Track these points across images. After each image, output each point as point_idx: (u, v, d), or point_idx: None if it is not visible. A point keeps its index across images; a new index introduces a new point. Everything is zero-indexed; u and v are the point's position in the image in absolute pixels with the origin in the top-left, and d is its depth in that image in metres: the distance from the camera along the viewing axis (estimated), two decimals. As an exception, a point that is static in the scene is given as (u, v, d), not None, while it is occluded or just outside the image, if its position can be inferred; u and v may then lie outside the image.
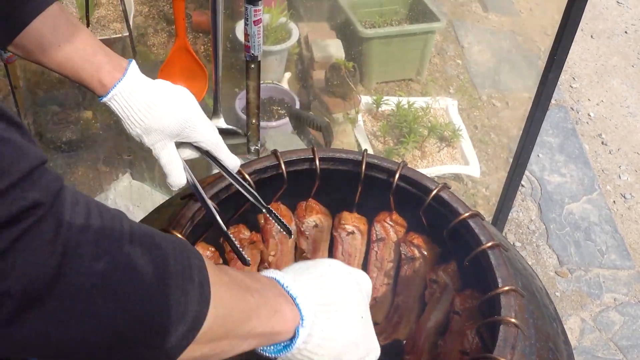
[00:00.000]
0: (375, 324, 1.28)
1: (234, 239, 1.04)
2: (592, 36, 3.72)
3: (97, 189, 2.31)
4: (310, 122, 2.20)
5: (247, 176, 1.09)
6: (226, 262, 1.16)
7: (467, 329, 1.04)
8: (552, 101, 2.37)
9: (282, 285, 0.75)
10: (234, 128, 1.67)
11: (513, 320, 0.91)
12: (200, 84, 1.74)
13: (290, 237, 1.09)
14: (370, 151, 2.52)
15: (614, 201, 2.81)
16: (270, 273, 0.77)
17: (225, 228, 1.03)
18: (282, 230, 1.09)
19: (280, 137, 2.23)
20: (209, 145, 1.06)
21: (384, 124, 2.74)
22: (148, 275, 0.59)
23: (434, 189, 1.10)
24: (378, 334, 1.26)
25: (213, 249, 1.11)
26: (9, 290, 0.51)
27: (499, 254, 1.00)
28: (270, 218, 1.08)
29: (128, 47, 2.44)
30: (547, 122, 2.93)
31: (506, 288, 0.95)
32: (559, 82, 1.78)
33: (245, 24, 1.38)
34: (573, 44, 1.66)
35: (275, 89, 2.62)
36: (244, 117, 1.95)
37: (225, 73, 1.94)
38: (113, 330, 0.57)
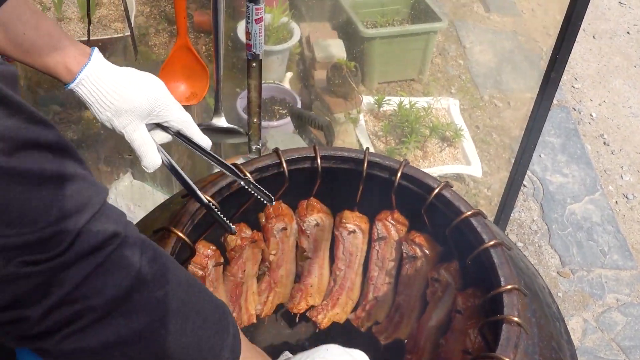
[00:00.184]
0: (377, 323, 1.29)
1: (216, 209, 1.03)
2: (594, 36, 3.71)
3: (98, 188, 2.30)
4: (312, 122, 2.19)
5: (248, 175, 1.09)
6: (227, 261, 1.15)
7: (469, 328, 1.04)
8: (554, 101, 2.37)
9: None
10: (236, 127, 1.66)
11: (516, 319, 0.91)
12: (202, 82, 1.74)
13: (271, 204, 1.08)
14: (372, 151, 2.52)
15: (616, 201, 2.80)
16: None
17: (205, 200, 1.02)
18: (263, 199, 1.07)
19: (281, 137, 2.22)
20: (180, 123, 1.07)
21: (386, 124, 2.74)
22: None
23: (436, 188, 1.10)
24: (379, 334, 1.26)
25: (214, 248, 1.10)
26: (91, 305, 0.60)
27: (502, 252, 1.00)
28: (249, 189, 1.07)
29: (129, 46, 2.44)
30: (549, 122, 2.93)
31: (509, 287, 0.95)
32: (561, 83, 1.77)
33: (247, 22, 1.38)
34: (575, 44, 1.66)
35: (277, 89, 2.61)
36: (245, 116, 1.94)
37: (226, 73, 1.94)
38: (161, 349, 0.67)
